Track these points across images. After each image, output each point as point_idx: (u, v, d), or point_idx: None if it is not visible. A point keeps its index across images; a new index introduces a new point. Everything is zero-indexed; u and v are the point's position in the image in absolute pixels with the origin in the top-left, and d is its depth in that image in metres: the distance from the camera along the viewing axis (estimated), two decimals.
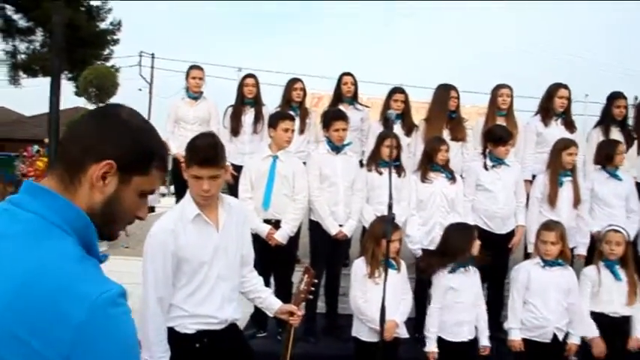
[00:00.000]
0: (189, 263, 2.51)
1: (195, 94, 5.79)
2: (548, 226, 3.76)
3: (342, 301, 4.75)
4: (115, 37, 19.95)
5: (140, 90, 26.68)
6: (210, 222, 2.55)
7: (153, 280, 2.45)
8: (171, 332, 2.51)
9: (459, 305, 3.61)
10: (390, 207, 3.09)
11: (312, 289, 2.90)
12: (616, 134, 5.11)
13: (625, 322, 3.87)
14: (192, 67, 5.86)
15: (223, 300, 2.58)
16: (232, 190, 4.87)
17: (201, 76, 5.83)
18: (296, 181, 4.36)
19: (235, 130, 5.50)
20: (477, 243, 3.65)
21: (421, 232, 4.42)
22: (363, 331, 3.67)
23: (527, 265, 3.80)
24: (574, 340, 3.73)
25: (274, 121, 4.38)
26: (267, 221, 4.34)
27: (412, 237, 4.41)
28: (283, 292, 4.29)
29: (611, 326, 3.84)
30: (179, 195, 5.11)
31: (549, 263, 3.69)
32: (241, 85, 5.61)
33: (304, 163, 4.63)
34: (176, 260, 2.49)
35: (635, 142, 5.15)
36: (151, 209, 15.65)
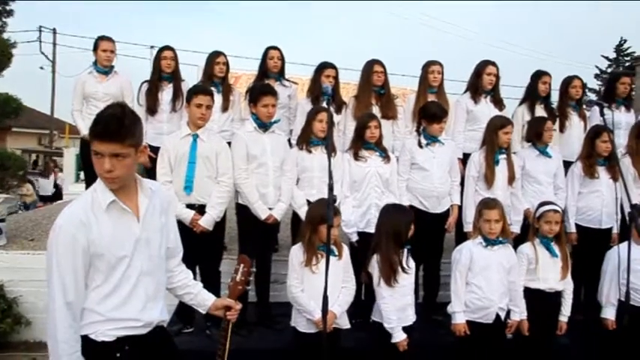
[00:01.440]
0: (105, 259, 2.11)
1: (105, 69, 5.25)
2: (489, 204, 3.67)
3: (273, 289, 4.50)
4: (7, 8, 18.32)
5: (42, 68, 24.86)
6: (129, 210, 2.16)
7: (59, 282, 2.04)
8: (86, 341, 2.12)
9: (403, 289, 3.44)
10: (330, 188, 2.83)
11: (250, 279, 2.62)
12: (540, 111, 5.16)
13: (559, 296, 3.90)
14: (101, 38, 5.29)
15: (148, 299, 2.22)
16: (150, 174, 4.43)
17: (112, 49, 5.29)
18: (220, 162, 4.02)
19: (152, 109, 5.05)
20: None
21: (356, 215, 4.22)
22: (301, 322, 3.43)
23: (469, 245, 3.69)
24: (515, 317, 3.71)
25: (188, 95, 4.04)
26: (190, 206, 3.98)
27: (347, 220, 4.19)
28: (211, 284, 3.96)
29: (547, 301, 3.87)
30: (89, 182, 4.61)
31: (491, 242, 3.61)
32: (158, 59, 5.14)
33: (229, 143, 4.28)
34: (88, 257, 2.09)
35: (557, 119, 5.23)
36: (57, 196, 14.60)
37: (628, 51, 30.79)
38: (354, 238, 4.21)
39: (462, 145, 4.94)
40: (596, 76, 31.57)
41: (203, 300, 2.52)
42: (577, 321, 4.35)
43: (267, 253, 4.33)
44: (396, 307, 3.40)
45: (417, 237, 4.24)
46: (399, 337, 3.37)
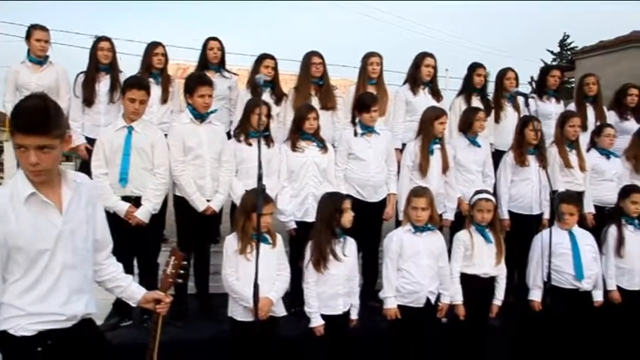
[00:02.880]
0: (24, 252, 2.08)
1: (39, 59, 5.09)
2: (418, 192, 3.79)
3: (214, 280, 4.49)
4: None
5: None
6: (50, 202, 2.13)
7: None
8: (4, 336, 2.10)
9: (333, 277, 3.52)
10: (259, 178, 2.87)
11: (182, 272, 2.63)
12: (476, 102, 5.31)
13: (493, 281, 4.06)
14: (33, 27, 5.12)
15: (71, 293, 2.20)
16: (88, 166, 4.36)
17: (47, 38, 5.13)
18: (156, 154, 3.98)
19: (89, 100, 4.93)
20: (350, 214, 3.56)
21: (293, 204, 4.28)
22: (237, 311, 3.47)
23: (399, 232, 3.80)
24: (445, 301, 3.84)
25: (123, 88, 3.98)
26: (126, 198, 3.93)
27: (284, 210, 4.25)
28: (149, 277, 3.98)
29: (483, 286, 4.02)
30: None
31: (420, 229, 3.72)
32: (94, 50, 5.01)
33: (166, 135, 4.25)
34: (5, 250, 2.06)
35: (493, 110, 5.41)
36: None
37: (571, 45, 31.80)
38: (292, 226, 4.26)
39: (400, 135, 5.05)
40: (541, 70, 32.55)
41: (133, 293, 2.52)
42: (509, 303, 4.56)
43: (205, 245, 4.33)
44: (326, 294, 3.49)
45: (355, 226, 4.38)
46: (316, 322, 3.48)
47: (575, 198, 4.34)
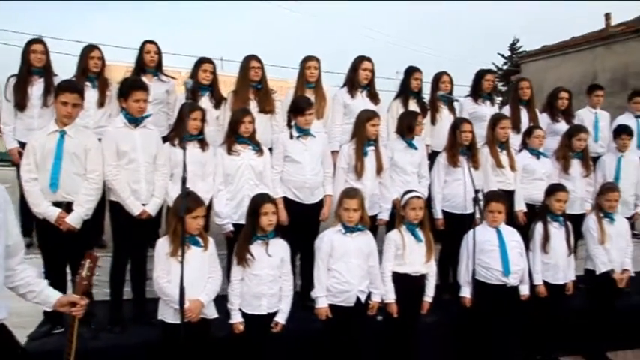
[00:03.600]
0: None
1: None
2: (349, 193, 3.87)
3: (151, 285, 4.48)
4: None
5: None
6: None
7: None
8: None
9: (256, 278, 3.58)
10: (183, 181, 2.90)
11: (97, 274, 2.63)
12: (413, 105, 5.46)
13: (424, 278, 4.16)
14: None
15: None
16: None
17: None
18: (89, 159, 3.94)
19: (21, 104, 4.82)
20: (270, 217, 3.62)
21: (230, 207, 4.31)
22: (168, 313, 3.48)
23: (330, 233, 3.87)
24: (376, 299, 3.93)
25: (55, 91, 3.92)
26: (56, 204, 3.87)
27: (220, 212, 4.28)
28: None
29: (414, 284, 4.11)
30: None
31: (350, 229, 3.81)
32: (27, 52, 4.91)
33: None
34: None
35: (429, 112, 5.56)
36: None
37: (520, 49, 32.76)
38: (229, 229, 4.29)
39: (339, 138, 5.13)
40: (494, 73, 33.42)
41: (47, 297, 2.51)
42: (444, 300, 4.71)
43: (142, 250, 4.30)
44: (249, 293, 3.58)
45: (292, 227, 4.44)
46: (235, 319, 3.57)
47: (503, 196, 4.50)
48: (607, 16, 16.71)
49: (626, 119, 6.42)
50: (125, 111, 4.11)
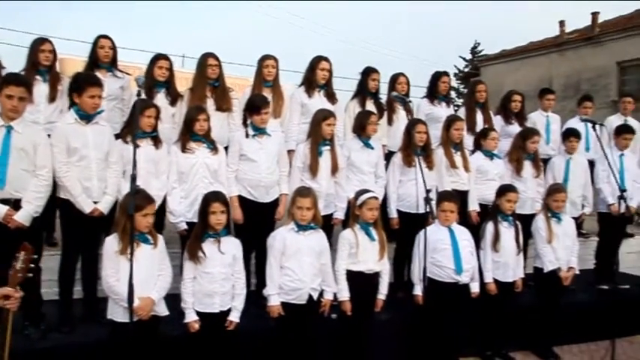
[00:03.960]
0: None
1: None
2: (302, 192, 3.89)
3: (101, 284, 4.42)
4: None
5: None
6: None
7: None
8: None
9: (208, 276, 3.58)
10: (133, 178, 2.88)
11: (32, 266, 2.59)
12: (370, 105, 5.52)
13: (378, 276, 4.21)
14: None
15: None
16: None
17: None
18: (38, 155, 3.84)
19: None
20: (219, 216, 3.61)
21: (184, 205, 4.28)
22: (117, 312, 3.42)
23: (283, 231, 3.89)
24: (328, 297, 3.97)
25: (0, 85, 3.81)
26: (4, 201, 3.76)
27: (174, 210, 4.25)
28: (29, 280, 3.83)
29: (368, 282, 4.16)
30: None
31: (303, 228, 3.83)
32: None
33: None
34: None
35: (386, 112, 5.63)
36: None
37: (481, 53, 33.44)
38: (182, 227, 4.26)
39: (296, 137, 5.15)
40: (455, 75, 33.96)
41: None
42: (399, 298, 4.78)
43: (93, 248, 4.22)
44: (202, 292, 3.57)
45: (247, 226, 4.45)
46: (189, 318, 3.56)
47: (455, 196, 4.60)
48: (561, 23, 17.21)
49: (576, 123, 6.65)
50: (77, 107, 4.02)
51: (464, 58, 34.67)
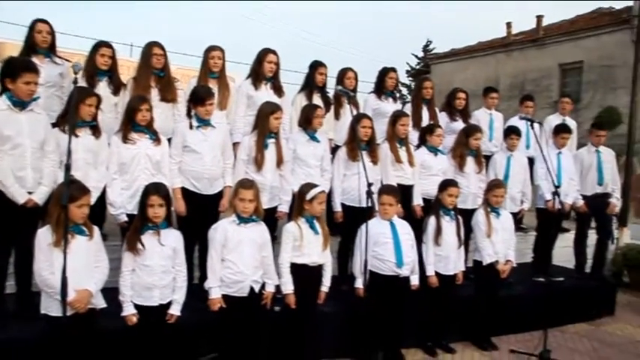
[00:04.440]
0: None
1: None
2: (245, 184, 3.87)
3: None
4: None
5: None
6: None
7: None
8: None
9: (147, 269, 3.52)
10: (67, 168, 2.79)
11: None
12: (317, 99, 5.54)
13: (321, 269, 4.23)
14: None
15: None
16: None
17: None
18: None
19: None
20: (157, 209, 3.56)
21: (124, 197, 4.18)
22: (52, 306, 3.29)
23: (224, 223, 3.87)
24: (270, 289, 3.97)
25: None
26: None
27: (114, 202, 4.15)
28: None
29: (312, 275, 4.18)
30: None
31: (244, 220, 3.81)
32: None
33: None
34: None
35: (333, 107, 5.66)
36: None
37: (433, 51, 34.02)
38: (123, 219, 4.16)
39: (242, 130, 5.12)
40: (407, 72, 34.44)
41: None
42: (343, 291, 4.82)
43: (25, 241, 4.05)
44: (140, 284, 3.52)
45: (191, 218, 4.40)
46: (127, 311, 3.50)
47: (395, 189, 4.66)
48: (508, 25, 17.71)
49: (517, 121, 6.85)
50: (10, 93, 3.86)
51: (416, 56, 35.17)
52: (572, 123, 7.39)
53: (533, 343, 5.07)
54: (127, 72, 5.17)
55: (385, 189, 4.53)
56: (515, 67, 16.64)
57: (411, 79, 33.10)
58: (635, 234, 9.33)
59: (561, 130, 6.37)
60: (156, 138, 4.28)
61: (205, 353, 3.93)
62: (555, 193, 4.99)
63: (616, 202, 6.58)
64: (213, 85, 4.95)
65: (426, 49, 35.17)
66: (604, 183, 6.46)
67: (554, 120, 7.32)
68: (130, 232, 3.60)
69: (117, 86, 4.90)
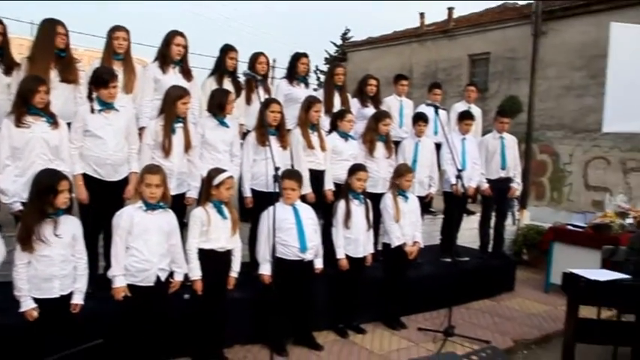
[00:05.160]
0: None
1: None
2: (152, 169, 3.77)
3: None
4: None
5: None
6: None
7: None
8: None
9: (45, 259, 3.34)
10: None
11: None
12: (228, 84, 5.45)
13: (230, 254, 4.20)
14: None
15: None
16: None
17: None
18: None
19: None
20: (67, 195, 3.40)
21: (18, 184, 3.91)
22: None
23: (129, 209, 3.74)
24: (179, 278, 3.90)
25: None
26: None
27: (6, 190, 3.88)
28: None
29: (220, 260, 4.14)
30: None
31: (151, 206, 3.71)
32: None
33: None
34: None
35: (244, 92, 5.60)
36: None
37: (351, 39, 34.40)
38: (17, 208, 3.92)
39: (149, 114, 4.95)
40: (325, 59, 34.67)
41: None
42: (254, 277, 4.79)
43: None
44: (39, 277, 3.33)
45: (94, 206, 4.22)
46: (26, 306, 3.30)
47: (297, 174, 4.66)
48: (421, 15, 18.20)
49: (424, 108, 7.09)
50: None
51: (334, 44, 35.44)
52: (476, 110, 7.75)
53: (440, 321, 5.32)
54: (27, 52, 4.82)
55: (287, 173, 4.50)
56: (428, 56, 17.15)
57: (328, 65, 33.37)
58: (534, 215, 10.00)
59: (465, 116, 6.67)
60: (53, 121, 4.03)
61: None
62: (459, 177, 5.22)
63: (517, 186, 6.97)
64: (117, 68, 4.74)
65: (344, 37, 35.54)
66: (507, 167, 6.83)
67: (459, 107, 7.64)
68: (25, 223, 3.34)
69: (8, 66, 4.58)
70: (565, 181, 13.96)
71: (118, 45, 4.89)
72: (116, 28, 4.93)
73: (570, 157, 13.80)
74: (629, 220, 6.73)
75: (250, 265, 4.73)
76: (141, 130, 4.68)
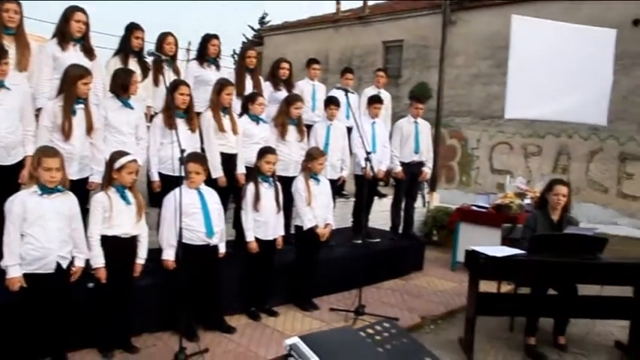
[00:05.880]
0: None
1: None
2: (49, 152, 3.59)
3: None
4: None
5: None
6: None
7: None
8: None
9: None
10: None
11: None
12: (133, 64, 5.25)
13: (136, 240, 4.10)
14: None
15: None
16: None
17: None
18: None
19: None
20: None
21: None
22: None
23: (22, 195, 3.53)
24: (80, 264, 3.76)
25: None
26: None
27: None
28: None
29: (125, 247, 4.02)
30: None
31: (49, 190, 3.53)
32: None
33: None
34: None
35: (151, 72, 5.42)
36: None
37: (269, 23, 34.13)
38: None
39: (48, 94, 4.66)
40: (243, 43, 34.24)
41: None
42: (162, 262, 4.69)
43: None
44: None
45: None
46: None
47: (201, 157, 4.60)
48: (337, 2, 18.33)
49: (335, 91, 7.19)
50: None
51: (252, 28, 35.09)
52: (385, 95, 7.95)
53: (351, 301, 5.44)
54: None
55: (190, 157, 4.35)
56: (344, 42, 17.32)
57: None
58: (443, 198, 10.45)
59: (374, 100, 6.83)
60: None
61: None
62: (367, 159, 5.34)
63: (428, 170, 7.24)
64: (9, 43, 4.41)
65: (262, 21, 35.21)
66: (420, 152, 7.06)
67: (370, 92, 7.80)
68: None
69: None
70: (473, 165, 14.65)
71: (9, 18, 4.54)
72: (6, 0, 4.59)
73: (478, 142, 14.49)
74: (527, 201, 7.18)
75: (159, 251, 4.61)
76: (38, 110, 4.42)
